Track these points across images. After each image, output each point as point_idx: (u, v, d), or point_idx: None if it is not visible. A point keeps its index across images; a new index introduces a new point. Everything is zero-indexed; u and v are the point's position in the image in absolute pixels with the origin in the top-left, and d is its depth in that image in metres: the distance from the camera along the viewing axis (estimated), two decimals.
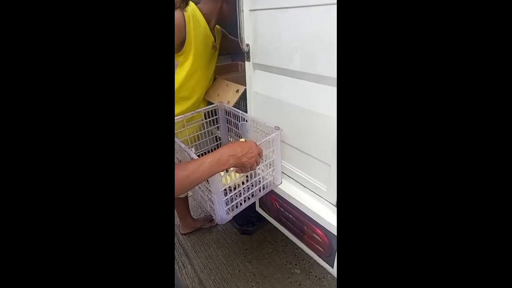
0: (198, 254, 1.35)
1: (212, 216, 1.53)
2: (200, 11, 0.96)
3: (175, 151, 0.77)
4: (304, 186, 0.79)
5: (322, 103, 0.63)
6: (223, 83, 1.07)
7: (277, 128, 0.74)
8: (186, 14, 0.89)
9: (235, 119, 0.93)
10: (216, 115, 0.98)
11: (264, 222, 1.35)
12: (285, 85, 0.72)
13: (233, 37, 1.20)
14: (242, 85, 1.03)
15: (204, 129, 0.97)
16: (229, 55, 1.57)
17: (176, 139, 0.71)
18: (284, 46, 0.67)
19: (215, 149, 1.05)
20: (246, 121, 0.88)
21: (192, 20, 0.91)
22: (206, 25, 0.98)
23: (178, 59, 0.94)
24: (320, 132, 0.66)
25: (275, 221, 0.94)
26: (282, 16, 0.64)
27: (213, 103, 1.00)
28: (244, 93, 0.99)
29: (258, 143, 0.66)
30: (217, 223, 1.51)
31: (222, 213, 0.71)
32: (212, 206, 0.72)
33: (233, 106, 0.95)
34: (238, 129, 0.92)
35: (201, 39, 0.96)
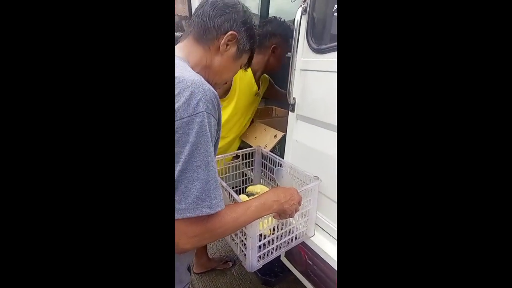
0: None
1: (227, 258, 1.47)
2: None
3: None
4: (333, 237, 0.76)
5: None
6: (260, 127, 1.13)
7: (316, 178, 0.75)
8: None
9: (271, 164, 0.96)
10: (252, 158, 1.02)
11: (288, 274, 1.26)
12: (329, 138, 0.75)
13: (278, 88, 1.32)
14: (276, 128, 1.08)
15: (239, 169, 1.00)
16: (263, 99, 1.69)
17: (223, 182, 0.74)
18: (331, 103, 0.72)
19: (241, 189, 1.07)
20: (282, 166, 0.90)
21: (240, 71, 1.03)
22: (252, 75, 1.09)
23: (222, 103, 1.04)
24: None
25: (301, 275, 0.88)
26: (334, 78, 0.71)
27: (249, 144, 1.05)
28: (281, 139, 1.03)
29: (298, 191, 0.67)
30: (232, 266, 1.44)
31: (253, 260, 0.69)
32: (244, 250, 0.71)
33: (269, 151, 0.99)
34: (272, 174, 0.95)
35: (244, 87, 1.06)
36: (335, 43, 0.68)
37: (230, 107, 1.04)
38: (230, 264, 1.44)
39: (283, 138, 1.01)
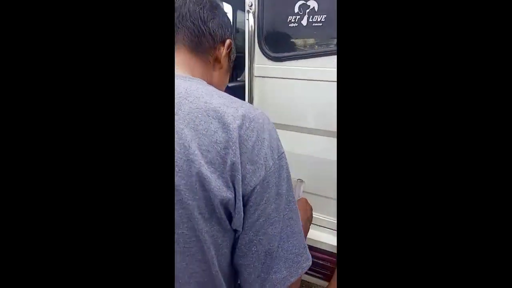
0: None
1: None
2: None
3: None
4: (324, 227, 0.86)
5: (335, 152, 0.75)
6: None
7: (301, 180, 0.79)
8: None
9: None
10: None
11: None
12: (295, 139, 0.80)
13: None
14: None
15: None
16: None
17: None
18: (295, 107, 0.75)
19: None
20: None
21: None
22: None
23: None
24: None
25: None
26: (292, 84, 0.73)
27: None
28: None
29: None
30: None
31: None
32: None
33: None
34: None
35: None
36: (294, 52, 0.70)
37: None
38: None
39: None
